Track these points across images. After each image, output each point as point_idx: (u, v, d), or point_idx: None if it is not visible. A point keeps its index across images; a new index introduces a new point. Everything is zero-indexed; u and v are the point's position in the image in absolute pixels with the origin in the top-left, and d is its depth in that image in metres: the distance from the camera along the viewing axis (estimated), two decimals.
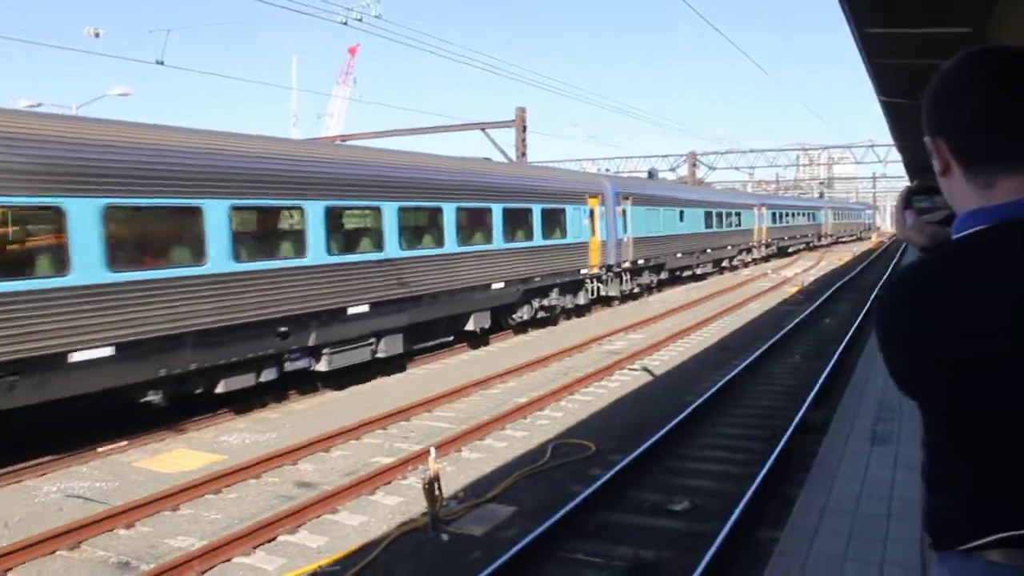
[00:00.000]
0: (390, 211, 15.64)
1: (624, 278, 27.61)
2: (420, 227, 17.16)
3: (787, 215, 58.63)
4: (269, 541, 8.03)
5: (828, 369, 14.74)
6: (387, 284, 15.41)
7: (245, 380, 12.78)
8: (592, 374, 15.61)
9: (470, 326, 19.08)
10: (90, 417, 11.65)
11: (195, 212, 11.85)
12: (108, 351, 10.58)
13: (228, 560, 7.59)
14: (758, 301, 29.52)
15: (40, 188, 10.03)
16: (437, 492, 8.24)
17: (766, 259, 51.13)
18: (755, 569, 6.19)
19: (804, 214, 65.11)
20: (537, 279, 21.40)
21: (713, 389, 13.52)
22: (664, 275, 32.47)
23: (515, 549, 7.13)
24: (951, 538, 1.55)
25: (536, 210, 21.30)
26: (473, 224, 18.75)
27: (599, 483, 8.88)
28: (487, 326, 19.89)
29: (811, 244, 67.68)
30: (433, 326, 17.68)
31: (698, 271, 37.31)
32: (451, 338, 19.34)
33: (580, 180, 26.70)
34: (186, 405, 12.45)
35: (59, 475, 10.26)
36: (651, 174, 46.63)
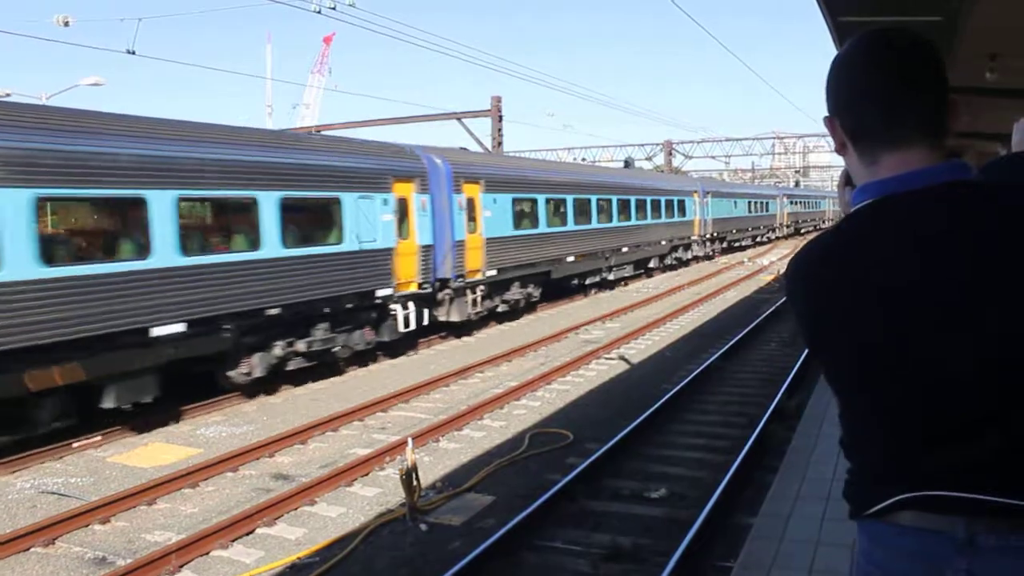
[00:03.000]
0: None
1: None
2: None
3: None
4: (247, 534, 8.01)
5: (803, 356, 14.87)
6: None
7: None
8: (569, 363, 15.65)
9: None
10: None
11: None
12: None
13: (206, 554, 7.57)
14: (734, 289, 29.72)
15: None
16: (415, 483, 8.24)
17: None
18: (730, 553, 6.27)
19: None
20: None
21: (689, 377, 13.61)
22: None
23: (494, 538, 7.16)
24: (863, 504, 1.59)
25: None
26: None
27: (576, 472, 8.93)
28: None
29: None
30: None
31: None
32: None
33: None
34: (161, 399, 12.38)
35: (32, 471, 10.16)
36: (627, 163, 46.73)
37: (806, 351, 14.97)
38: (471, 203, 19.64)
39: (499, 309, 21.35)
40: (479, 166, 21.08)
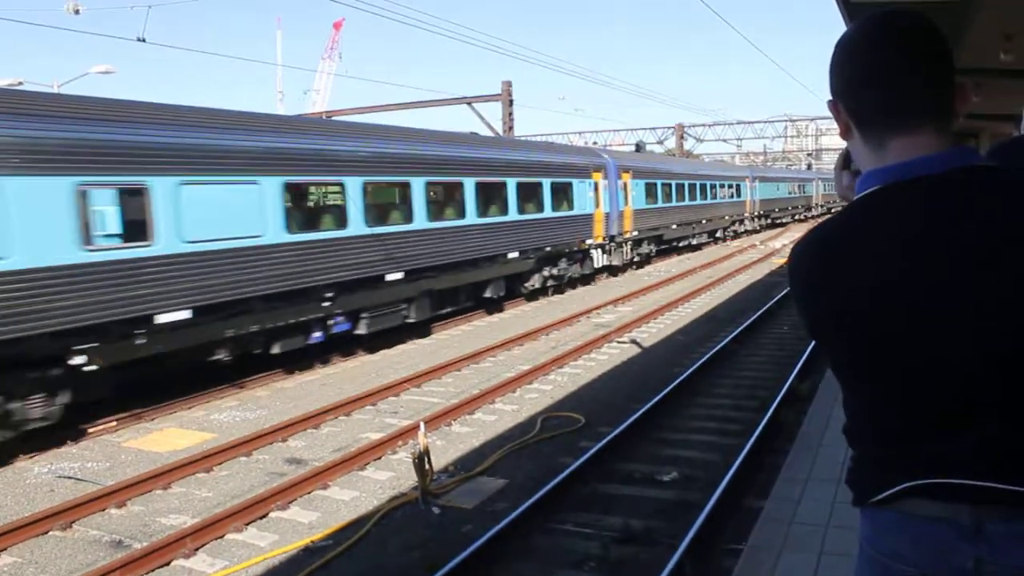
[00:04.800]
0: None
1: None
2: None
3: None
4: (261, 517, 8.08)
5: (814, 340, 14.82)
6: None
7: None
8: (581, 347, 15.67)
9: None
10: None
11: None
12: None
13: (221, 537, 7.64)
14: (746, 272, 29.64)
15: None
16: (427, 466, 8.30)
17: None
18: (741, 536, 6.28)
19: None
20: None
21: (701, 361, 13.60)
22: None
23: (506, 521, 7.20)
24: (867, 491, 1.59)
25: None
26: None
27: (588, 455, 8.95)
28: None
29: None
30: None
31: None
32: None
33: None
34: (177, 383, 12.47)
35: (49, 456, 10.27)
36: (639, 147, 46.55)
37: None
38: (625, 186, 28.30)
39: (635, 259, 30.44)
40: (628, 160, 30.67)
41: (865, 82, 1.56)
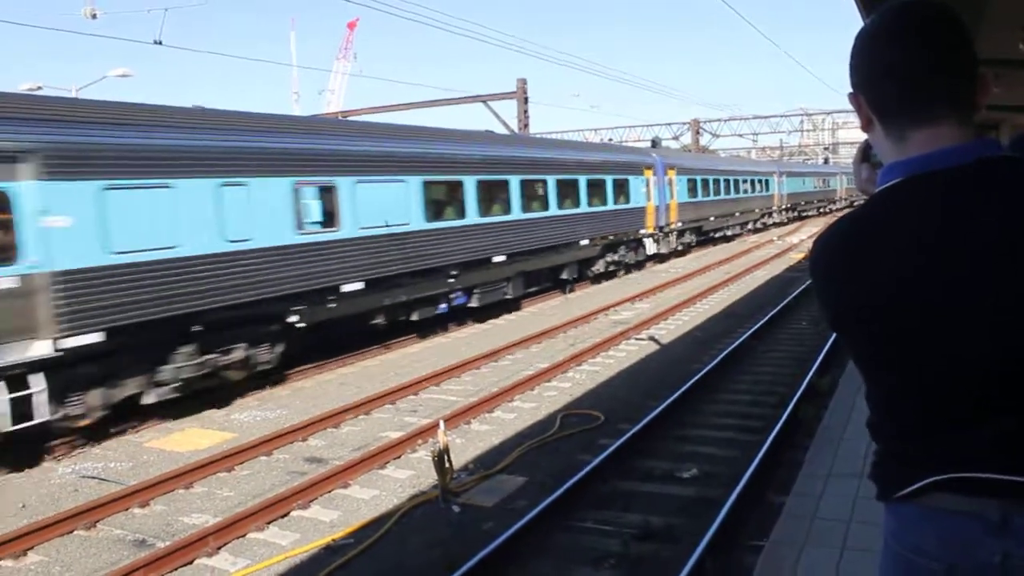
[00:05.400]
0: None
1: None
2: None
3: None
4: (282, 516, 8.13)
5: (834, 335, 14.73)
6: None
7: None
8: (600, 344, 15.66)
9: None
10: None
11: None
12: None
13: (243, 536, 7.70)
14: (764, 268, 29.51)
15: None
16: (447, 464, 8.31)
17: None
18: (763, 532, 6.27)
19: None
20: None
21: (720, 357, 13.56)
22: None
23: (526, 519, 7.21)
24: (892, 486, 1.58)
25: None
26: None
27: (607, 452, 8.95)
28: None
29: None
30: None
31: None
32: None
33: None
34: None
35: (74, 457, 10.38)
36: (654, 143, 46.43)
37: None
38: (670, 181, 31.21)
39: (678, 248, 33.39)
40: (673, 158, 34.06)
41: (886, 74, 1.54)
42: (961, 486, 1.47)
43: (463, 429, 10.84)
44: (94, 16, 24.63)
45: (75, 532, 7.92)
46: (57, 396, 9.95)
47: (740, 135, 63.28)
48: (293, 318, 13.46)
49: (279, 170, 13.07)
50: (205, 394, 12.32)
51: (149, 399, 11.35)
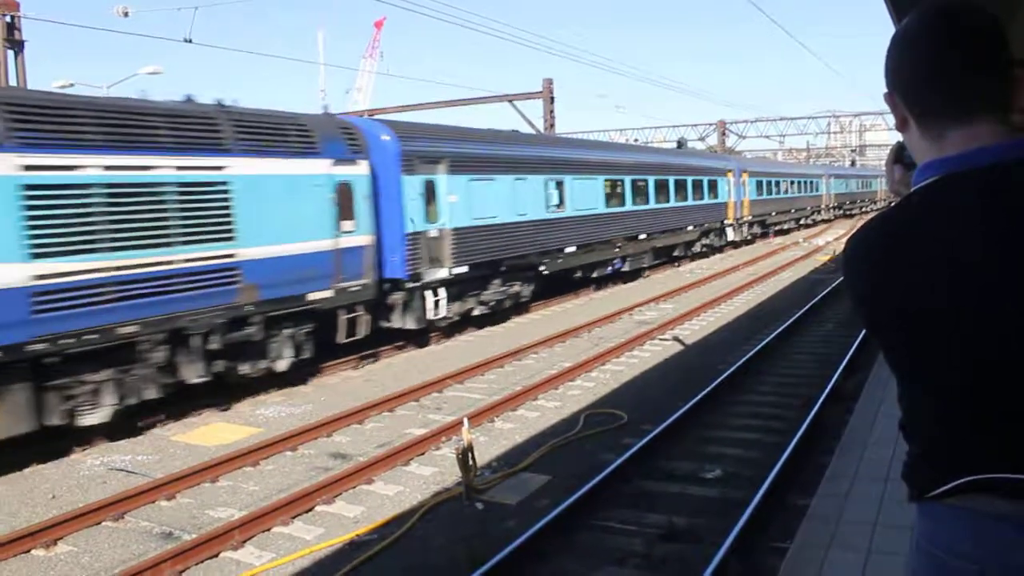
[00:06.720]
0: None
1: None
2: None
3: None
4: (307, 511, 8.19)
5: (860, 337, 14.64)
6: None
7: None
8: (624, 344, 15.64)
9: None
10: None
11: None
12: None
13: (268, 530, 7.76)
14: (789, 270, 29.33)
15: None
16: (471, 462, 8.34)
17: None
18: (787, 534, 6.23)
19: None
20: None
21: (745, 358, 13.50)
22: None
23: (549, 517, 7.22)
24: (924, 487, 1.57)
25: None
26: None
27: (631, 452, 8.94)
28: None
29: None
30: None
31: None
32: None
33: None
34: (223, 381, 12.66)
35: (102, 449, 10.51)
36: (680, 144, 46.27)
37: (863, 332, 14.77)
38: (743, 182, 38.38)
39: (747, 237, 40.26)
40: (746, 164, 41.95)
41: (924, 74, 1.54)
42: (994, 487, 1.47)
43: (487, 427, 10.87)
44: (126, 14, 24.84)
45: (103, 523, 8.03)
46: (450, 300, 16.95)
47: (767, 136, 62.87)
48: (542, 267, 20.69)
49: (538, 170, 20.83)
50: (225, 389, 12.44)
51: (476, 311, 18.15)
